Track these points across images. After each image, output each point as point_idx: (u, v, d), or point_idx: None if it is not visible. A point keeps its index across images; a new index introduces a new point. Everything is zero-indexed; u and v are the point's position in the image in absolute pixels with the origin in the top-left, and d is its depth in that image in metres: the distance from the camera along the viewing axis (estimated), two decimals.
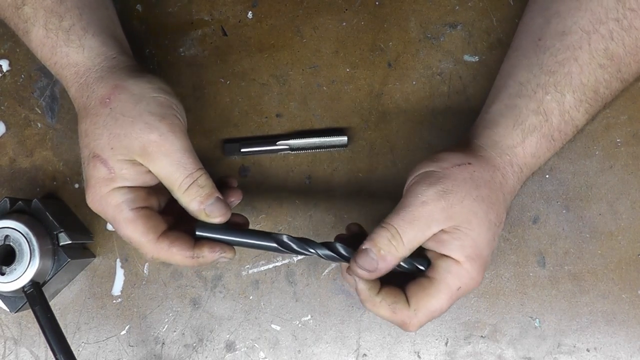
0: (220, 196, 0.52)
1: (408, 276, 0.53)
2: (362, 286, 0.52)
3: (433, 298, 0.51)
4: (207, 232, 0.52)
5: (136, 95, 0.51)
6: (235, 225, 0.54)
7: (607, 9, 0.52)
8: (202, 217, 0.52)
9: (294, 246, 0.53)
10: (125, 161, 0.50)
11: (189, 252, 0.52)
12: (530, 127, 0.53)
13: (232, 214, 0.55)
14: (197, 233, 0.52)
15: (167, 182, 0.51)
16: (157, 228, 0.52)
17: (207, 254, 0.52)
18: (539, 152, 0.54)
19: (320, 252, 0.53)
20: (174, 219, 0.55)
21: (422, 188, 0.51)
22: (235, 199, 0.56)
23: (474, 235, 0.51)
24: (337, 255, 0.52)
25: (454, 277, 0.51)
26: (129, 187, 0.51)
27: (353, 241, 0.53)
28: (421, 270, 0.53)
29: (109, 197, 0.51)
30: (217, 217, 0.52)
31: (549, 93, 0.53)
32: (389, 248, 0.50)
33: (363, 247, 0.51)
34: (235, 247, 0.53)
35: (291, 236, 0.53)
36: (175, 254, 0.52)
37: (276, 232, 0.54)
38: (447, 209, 0.50)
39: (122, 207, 0.51)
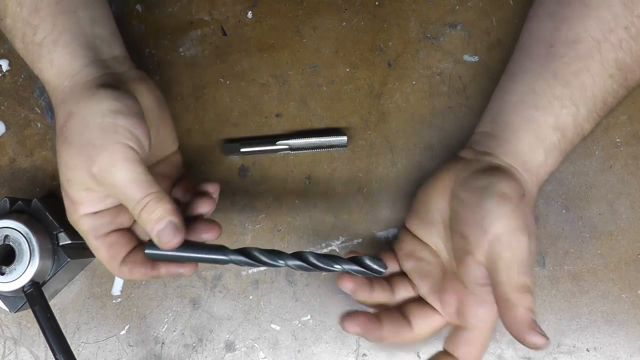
0: (173, 219, 0.50)
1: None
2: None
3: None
4: (155, 249, 0.52)
5: (83, 122, 0.50)
6: (193, 242, 0.53)
7: (616, 16, 0.51)
8: (156, 242, 0.51)
9: (263, 258, 0.52)
10: (83, 190, 0.50)
11: (147, 275, 0.53)
12: (551, 145, 0.53)
13: (201, 222, 0.54)
14: (146, 251, 0.52)
15: (125, 201, 0.51)
16: (119, 255, 0.52)
17: (164, 274, 0.53)
18: (554, 168, 0.55)
19: (290, 263, 0.52)
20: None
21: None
22: (206, 210, 0.54)
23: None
24: (311, 266, 0.52)
25: None
26: (93, 213, 0.52)
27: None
28: (380, 272, 0.53)
29: (78, 224, 0.52)
30: (165, 243, 0.50)
31: (565, 107, 0.53)
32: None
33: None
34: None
35: (259, 248, 0.52)
36: (137, 276, 0.53)
37: (228, 246, 0.53)
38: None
39: (87, 235, 0.52)
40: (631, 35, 0.51)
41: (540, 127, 0.53)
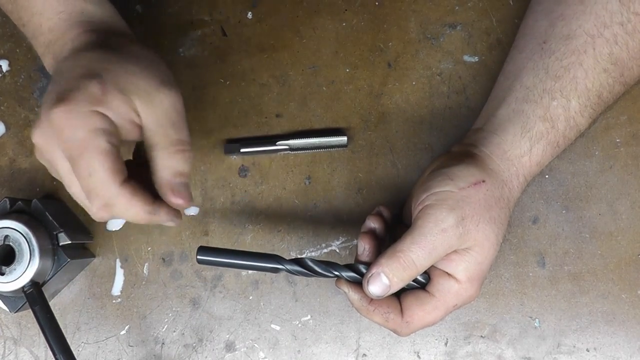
0: (188, 182, 0.49)
1: None
2: (354, 296, 0.53)
3: (428, 314, 0.52)
4: (208, 256, 0.52)
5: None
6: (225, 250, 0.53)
7: (612, 13, 0.52)
8: (167, 191, 0.48)
9: (300, 268, 0.53)
10: (124, 96, 0.45)
11: (148, 207, 0.47)
12: (538, 134, 0.53)
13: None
14: (198, 257, 0.52)
15: (156, 133, 0.47)
16: (123, 172, 0.46)
17: (163, 215, 0.48)
18: (543, 159, 0.55)
19: (289, 267, 0.53)
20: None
21: (442, 214, 0.50)
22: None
23: (481, 259, 0.51)
24: (310, 271, 0.53)
25: (452, 296, 0.52)
26: (111, 120, 0.45)
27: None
28: (422, 283, 0.54)
29: (88, 117, 0.44)
30: (178, 199, 0.48)
31: (555, 99, 0.53)
32: (402, 275, 0.51)
33: (376, 272, 0.51)
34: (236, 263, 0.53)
35: (308, 259, 0.53)
36: (135, 205, 0.46)
37: (273, 253, 0.54)
38: (463, 235, 0.50)
39: (98, 134, 0.44)
40: (627, 31, 0.52)
41: (528, 118, 0.54)
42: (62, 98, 0.44)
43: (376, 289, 0.51)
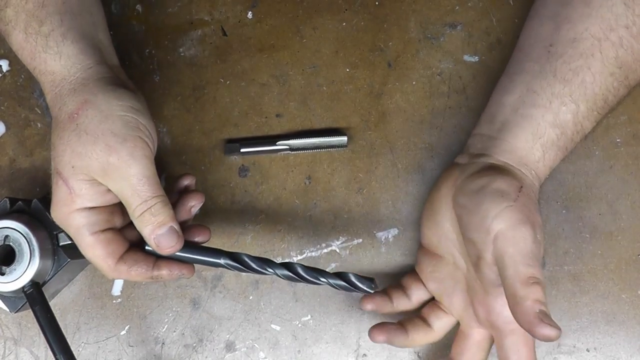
0: (174, 225, 0.52)
1: None
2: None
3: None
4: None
5: (103, 113, 0.50)
6: (190, 242, 0.54)
7: (617, 16, 0.51)
8: (152, 246, 0.52)
9: (253, 265, 0.53)
10: (86, 181, 0.50)
11: (147, 274, 0.52)
12: (549, 141, 0.53)
13: (194, 226, 0.55)
14: (147, 248, 0.53)
15: (124, 204, 0.51)
16: (116, 252, 0.52)
17: (166, 276, 0.53)
18: (554, 164, 0.55)
19: (279, 272, 0.53)
20: (139, 234, 0.54)
21: (526, 230, 0.50)
22: (197, 202, 0.55)
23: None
24: (298, 277, 0.53)
25: None
26: (90, 208, 0.51)
27: None
28: (368, 292, 0.53)
29: (70, 218, 0.51)
30: (165, 248, 0.51)
31: (565, 104, 0.53)
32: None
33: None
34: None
35: (250, 255, 0.53)
36: (134, 276, 0.52)
37: (233, 250, 0.54)
38: (541, 243, 0.52)
39: (82, 231, 0.51)
40: (632, 34, 0.52)
41: (538, 125, 0.53)
42: (52, 201, 0.52)
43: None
